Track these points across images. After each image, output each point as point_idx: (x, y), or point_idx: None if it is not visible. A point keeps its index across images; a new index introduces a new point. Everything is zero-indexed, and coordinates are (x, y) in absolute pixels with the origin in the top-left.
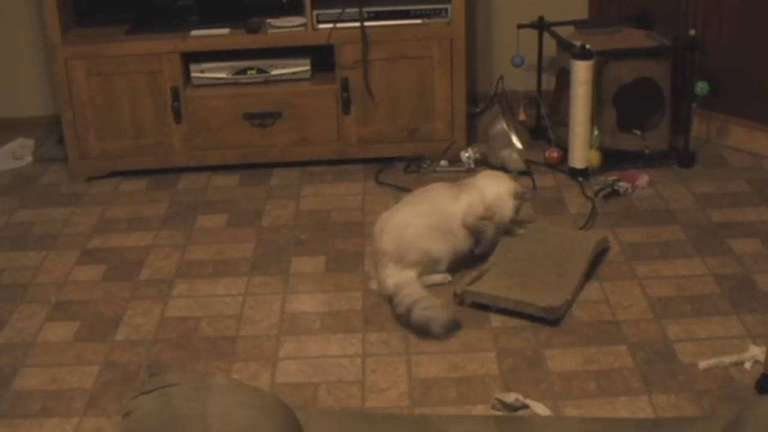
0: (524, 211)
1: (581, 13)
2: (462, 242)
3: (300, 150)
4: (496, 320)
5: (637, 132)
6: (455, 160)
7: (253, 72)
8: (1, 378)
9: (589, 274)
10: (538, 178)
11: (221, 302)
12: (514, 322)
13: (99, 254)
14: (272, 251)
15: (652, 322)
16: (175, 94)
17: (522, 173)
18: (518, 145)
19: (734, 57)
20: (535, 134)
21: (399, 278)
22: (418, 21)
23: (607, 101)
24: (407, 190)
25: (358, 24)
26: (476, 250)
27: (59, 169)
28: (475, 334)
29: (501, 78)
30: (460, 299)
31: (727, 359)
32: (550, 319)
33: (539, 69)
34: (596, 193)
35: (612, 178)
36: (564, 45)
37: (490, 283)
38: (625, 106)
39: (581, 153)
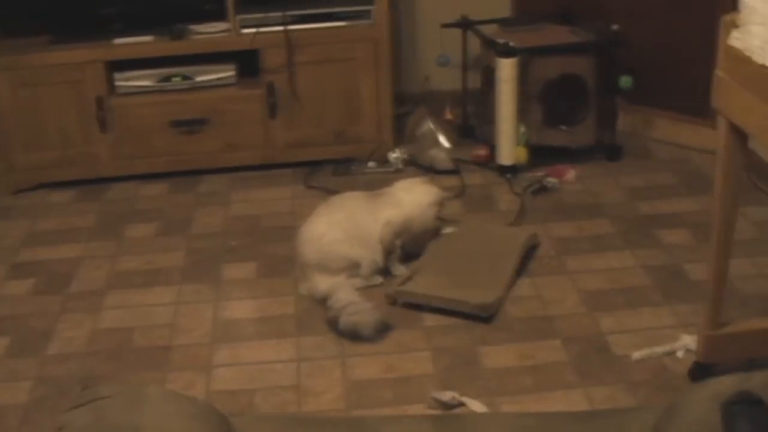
0: (453, 210)
1: (504, 11)
2: (380, 255)
3: (228, 156)
4: (429, 319)
5: (564, 127)
6: (383, 161)
7: (178, 79)
8: None
9: (520, 270)
10: (467, 176)
11: (153, 312)
12: (447, 320)
13: (28, 268)
14: (203, 259)
15: (584, 315)
16: (100, 103)
17: (450, 172)
18: (446, 144)
19: (657, 51)
20: (462, 133)
21: (329, 283)
22: (342, 23)
23: (533, 98)
24: (337, 193)
25: (281, 28)
26: (388, 263)
27: None
28: (409, 334)
29: (427, 78)
30: (392, 300)
31: (659, 349)
32: (483, 316)
33: (464, 68)
34: (525, 190)
35: (540, 174)
36: (488, 43)
37: (421, 283)
38: (551, 102)
39: (508, 150)
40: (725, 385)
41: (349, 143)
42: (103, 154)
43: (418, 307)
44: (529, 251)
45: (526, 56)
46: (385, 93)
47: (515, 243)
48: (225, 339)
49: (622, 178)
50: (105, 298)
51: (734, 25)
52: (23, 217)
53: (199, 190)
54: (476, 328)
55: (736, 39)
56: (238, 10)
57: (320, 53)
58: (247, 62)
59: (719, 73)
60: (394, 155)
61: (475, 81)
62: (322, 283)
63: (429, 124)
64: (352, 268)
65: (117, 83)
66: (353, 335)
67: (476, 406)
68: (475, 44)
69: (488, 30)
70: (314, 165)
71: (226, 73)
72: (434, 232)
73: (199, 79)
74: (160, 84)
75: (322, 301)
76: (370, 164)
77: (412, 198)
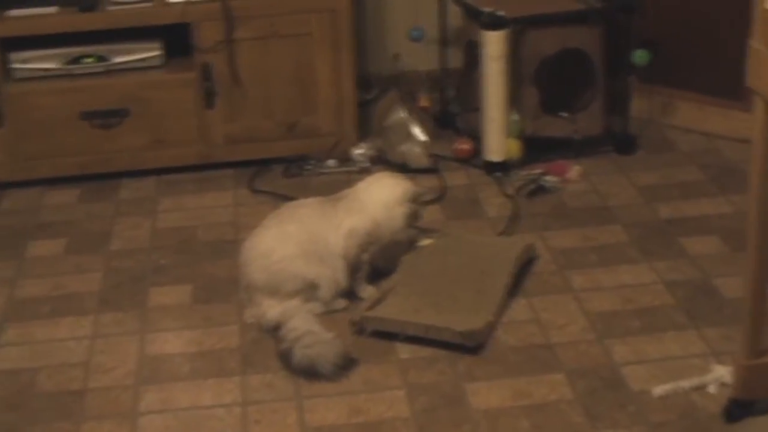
0: (432, 216)
1: None
2: (343, 274)
3: (155, 155)
4: (404, 351)
5: (565, 114)
6: (346, 159)
7: (91, 60)
8: None
9: (514, 289)
10: (447, 176)
11: (63, 348)
12: (426, 351)
13: None
14: (125, 281)
15: (593, 343)
16: None
17: (427, 171)
18: (421, 137)
19: (678, 19)
20: (441, 123)
21: (282, 308)
22: None
23: (527, 79)
24: (289, 198)
25: None
26: (353, 283)
27: None
28: (378, 369)
29: (397, 56)
30: (358, 328)
31: (686, 383)
32: (469, 346)
33: (443, 43)
34: (518, 191)
35: (537, 171)
36: (471, 13)
37: (394, 306)
38: (549, 84)
39: (498, 143)
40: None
41: (303, 137)
42: None
43: (390, 336)
44: (525, 266)
45: (519, 28)
46: (347, 75)
47: (507, 256)
48: (153, 379)
49: (637, 175)
50: (2, 332)
51: None
52: None
53: (119, 197)
54: (461, 360)
55: None
56: None
57: (266, 27)
58: (176, 39)
59: (755, 44)
60: (359, 151)
61: (456, 59)
62: (272, 309)
63: (400, 113)
64: (308, 290)
65: (13, 66)
66: (310, 372)
67: None
68: (455, 14)
69: None
70: (261, 165)
71: (151, 52)
72: (408, 245)
73: (116, 60)
74: (68, 67)
75: (273, 330)
76: (330, 163)
77: (377, 197)
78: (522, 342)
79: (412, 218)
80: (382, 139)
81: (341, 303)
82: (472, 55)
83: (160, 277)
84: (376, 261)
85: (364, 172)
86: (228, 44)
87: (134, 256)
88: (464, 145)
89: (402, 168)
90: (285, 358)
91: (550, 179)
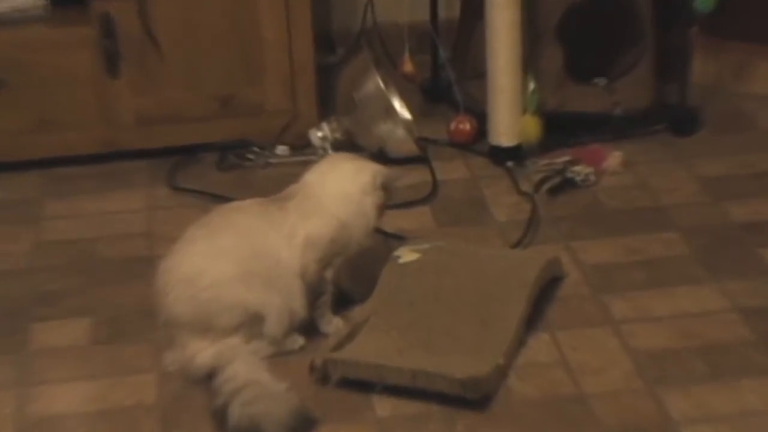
0: (420, 222)
1: None
2: (299, 300)
3: (39, 140)
4: (383, 406)
5: (601, 82)
6: (302, 145)
7: None
8: None
9: (532, 320)
10: (441, 168)
11: None
12: (412, 407)
13: None
14: None
15: (641, 393)
16: None
17: (412, 160)
18: (404, 114)
19: None
20: (431, 95)
21: (215, 350)
22: None
23: (548, 34)
24: (223, 200)
25: None
26: (313, 314)
27: None
28: (348, 430)
29: (370, 4)
30: (321, 375)
31: None
32: (472, 398)
33: None
34: (537, 187)
35: (562, 160)
36: None
37: (369, 345)
38: (577, 40)
39: (509, 122)
40: None
41: (243, 116)
42: None
43: (364, 386)
44: (547, 289)
45: None
46: (302, 33)
47: (523, 276)
48: None
49: (700, 164)
50: None
51: None
52: None
53: None
54: (461, 418)
55: None
56: None
57: None
58: None
59: None
60: (319, 134)
61: (451, 7)
62: (202, 351)
63: (376, 82)
64: (251, 324)
65: None
66: None
67: None
68: None
69: None
70: (185, 154)
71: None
72: (386, 258)
73: None
74: None
75: (204, 380)
76: (279, 150)
77: (336, 189)
78: (544, 393)
79: (385, 204)
80: (350, 117)
81: (297, 341)
82: (473, 2)
83: (47, 308)
84: (344, 281)
85: None
86: None
87: (9, 279)
88: (464, 125)
89: (378, 156)
90: (220, 419)
91: (580, 170)
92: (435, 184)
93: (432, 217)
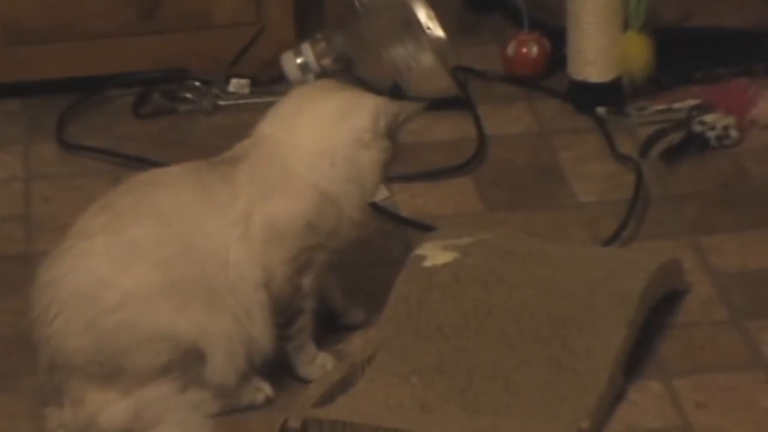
0: (456, 202)
1: None
2: (260, 325)
3: None
4: None
5: None
6: (270, 78)
7: None
8: None
9: (635, 359)
10: (491, 115)
11: None
12: None
13: None
14: None
15: None
16: None
17: (445, 103)
18: (434, 29)
19: None
20: (477, 1)
21: (130, 406)
22: None
23: None
24: (144, 165)
25: None
26: (287, 346)
27: None
28: None
29: None
30: None
31: None
32: None
33: None
34: (646, 147)
35: (686, 103)
36: None
37: (374, 398)
38: None
39: (601, 44)
40: None
41: (178, 32)
42: None
43: None
44: (660, 309)
45: None
46: None
47: (622, 289)
48: None
49: None
50: None
51: None
52: None
53: None
54: None
55: None
56: None
57: None
58: None
59: None
60: (298, 60)
61: None
62: (108, 406)
63: None
64: (185, 364)
65: None
66: None
67: None
68: None
69: None
70: (83, 91)
71: None
72: (403, 259)
73: None
74: None
75: None
76: (235, 86)
77: (310, 141)
78: None
79: (389, 161)
80: (348, 34)
81: (260, 391)
82: None
83: None
84: (333, 295)
85: None
86: None
87: None
88: (528, 49)
89: (393, 96)
90: None
91: (713, 121)
92: (482, 141)
93: (476, 194)
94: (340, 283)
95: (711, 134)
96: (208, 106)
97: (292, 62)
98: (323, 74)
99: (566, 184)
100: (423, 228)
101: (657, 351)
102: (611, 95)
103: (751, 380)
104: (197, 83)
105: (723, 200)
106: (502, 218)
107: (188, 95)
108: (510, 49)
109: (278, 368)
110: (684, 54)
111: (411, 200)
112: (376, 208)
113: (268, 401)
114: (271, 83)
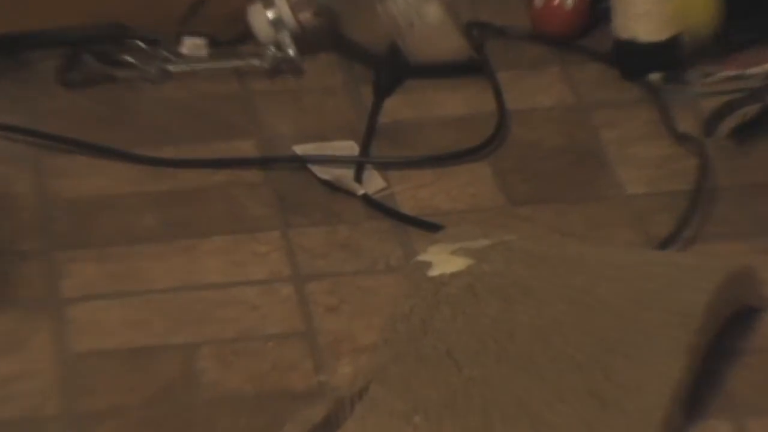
0: (470, 195)
1: None
2: None
3: None
4: None
5: None
6: (234, 38)
7: None
8: None
9: (699, 394)
10: (514, 83)
11: None
12: None
13: None
14: None
15: None
16: None
17: (456, 68)
18: None
19: None
20: None
21: None
22: None
23: None
24: (72, 146)
25: None
26: None
27: None
28: None
29: None
30: None
31: None
32: None
33: None
34: (712, 124)
35: (761, 69)
36: None
37: None
38: None
39: None
40: None
41: None
42: None
43: None
44: (731, 330)
45: None
46: None
47: (681, 305)
48: None
49: None
50: None
51: None
52: None
53: None
54: None
55: None
56: None
57: None
58: None
59: None
60: (270, 14)
61: None
62: None
63: None
64: None
65: None
66: None
67: None
68: None
69: None
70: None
71: None
72: (402, 267)
73: None
74: None
75: None
76: (189, 46)
77: None
78: None
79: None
80: None
81: None
82: None
83: None
84: None
85: (280, 72)
86: None
87: None
88: (561, 0)
89: (389, 60)
90: None
91: None
92: (502, 117)
93: (495, 183)
94: (325, 296)
95: None
96: (155, 73)
97: (262, 16)
98: (301, 33)
99: (609, 171)
100: (428, 227)
101: (726, 383)
102: (668, 58)
103: None
104: (140, 43)
105: None
106: (528, 214)
107: (129, 58)
108: (538, 0)
109: None
110: (761, 5)
111: (413, 192)
112: (369, 203)
113: None
114: (235, 43)
